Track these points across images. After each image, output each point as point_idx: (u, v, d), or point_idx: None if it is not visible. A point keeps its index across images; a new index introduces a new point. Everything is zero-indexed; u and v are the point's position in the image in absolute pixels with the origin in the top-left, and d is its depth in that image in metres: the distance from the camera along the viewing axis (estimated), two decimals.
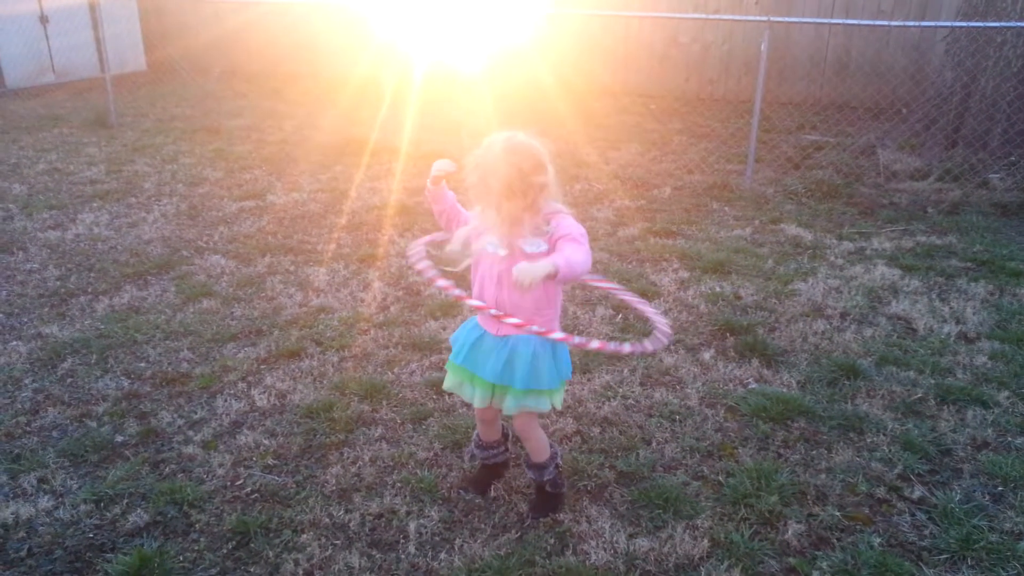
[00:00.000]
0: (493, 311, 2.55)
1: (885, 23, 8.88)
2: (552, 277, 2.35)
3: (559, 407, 2.86)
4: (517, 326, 2.53)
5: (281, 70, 13.31)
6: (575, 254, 2.42)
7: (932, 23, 9.04)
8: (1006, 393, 3.72)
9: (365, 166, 7.82)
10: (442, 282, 2.57)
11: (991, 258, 5.48)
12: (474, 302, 2.59)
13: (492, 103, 10.34)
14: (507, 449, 3.12)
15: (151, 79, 13.34)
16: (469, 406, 3.51)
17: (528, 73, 11.39)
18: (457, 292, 2.56)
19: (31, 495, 3.02)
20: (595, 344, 2.61)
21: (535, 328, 2.51)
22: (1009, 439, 3.39)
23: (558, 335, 2.55)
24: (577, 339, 2.57)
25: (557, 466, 2.96)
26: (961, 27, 7.84)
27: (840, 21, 10.28)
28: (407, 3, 11.39)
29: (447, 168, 2.64)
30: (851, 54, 11.18)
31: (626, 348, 2.66)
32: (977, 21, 7.68)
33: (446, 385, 2.91)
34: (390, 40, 11.89)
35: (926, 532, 2.84)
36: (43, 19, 12.60)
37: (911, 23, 9.07)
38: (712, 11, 11.31)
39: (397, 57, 11.71)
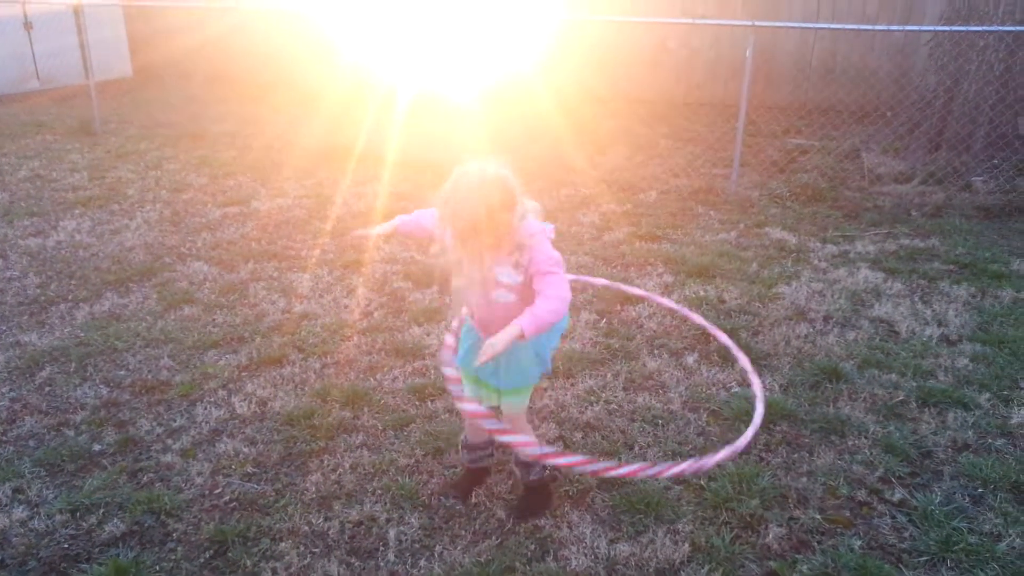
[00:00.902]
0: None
1: (870, 27, 8.96)
2: (521, 338, 2.37)
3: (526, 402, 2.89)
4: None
5: (266, 76, 13.27)
6: (544, 307, 2.41)
7: (916, 27, 9.12)
8: (987, 395, 3.73)
9: (350, 172, 7.80)
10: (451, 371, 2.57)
11: (973, 261, 5.51)
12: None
13: (479, 107, 10.34)
14: (492, 454, 3.11)
15: (136, 85, 13.30)
16: (451, 411, 3.51)
17: (519, 82, 11.38)
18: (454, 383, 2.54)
19: (5, 505, 2.98)
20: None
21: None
22: (989, 441, 3.39)
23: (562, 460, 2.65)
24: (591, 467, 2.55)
25: (545, 466, 2.95)
26: (944, 31, 7.90)
27: (825, 26, 10.34)
28: (395, 15, 11.36)
29: (367, 233, 2.86)
30: (836, 58, 11.24)
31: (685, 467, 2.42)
32: (960, 25, 7.74)
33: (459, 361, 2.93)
34: (376, 58, 11.83)
35: (906, 534, 2.84)
36: (27, 25, 12.54)
37: (895, 27, 9.16)
38: (699, 16, 11.35)
39: (383, 76, 11.65)
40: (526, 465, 2.92)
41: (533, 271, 2.50)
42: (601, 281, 4.15)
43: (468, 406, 2.54)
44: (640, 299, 3.64)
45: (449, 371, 2.54)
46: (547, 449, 2.64)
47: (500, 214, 2.41)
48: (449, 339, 2.76)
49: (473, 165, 2.46)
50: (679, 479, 3.09)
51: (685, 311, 3.49)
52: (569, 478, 3.13)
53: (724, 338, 3.23)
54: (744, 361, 3.02)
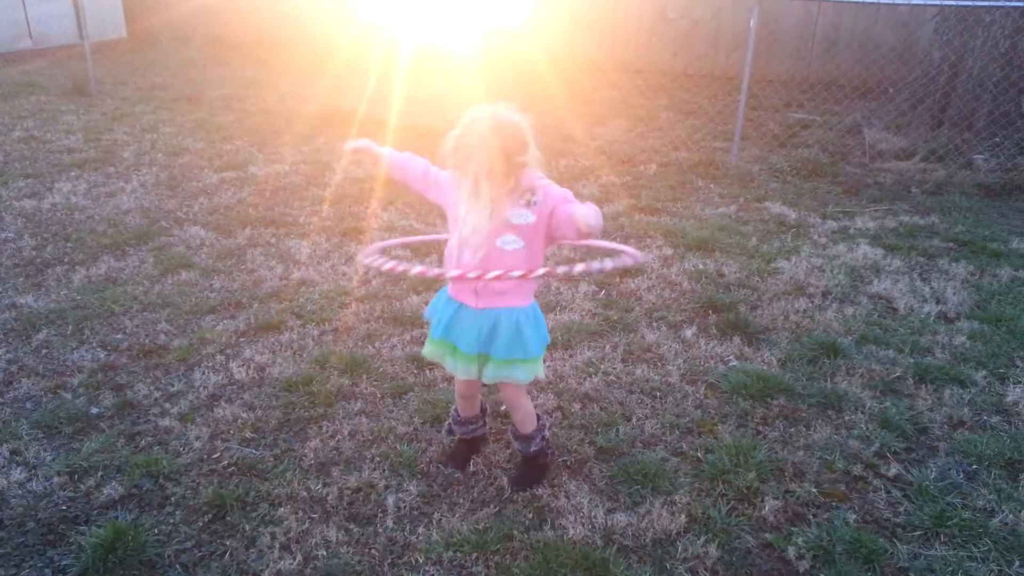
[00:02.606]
0: (472, 274, 2.44)
1: (875, 0, 8.84)
2: (585, 229, 2.38)
3: (542, 376, 2.85)
4: (498, 277, 2.39)
5: (265, 39, 13.10)
6: (587, 206, 2.41)
7: (922, 1, 9.00)
8: (983, 373, 3.75)
9: (350, 138, 7.71)
10: (417, 268, 2.48)
11: (973, 239, 5.50)
12: (452, 272, 2.48)
13: (480, 76, 10.23)
14: (485, 423, 3.11)
15: (132, 47, 13.11)
16: (450, 380, 3.50)
17: (517, 47, 11.26)
18: (435, 271, 2.48)
19: (3, 467, 2.98)
20: (579, 268, 2.52)
21: (515, 274, 2.38)
22: (985, 418, 3.41)
23: (540, 271, 2.43)
24: (561, 269, 2.46)
25: (544, 437, 2.96)
26: (951, 6, 7.81)
27: None
28: None
29: (360, 146, 2.83)
30: (840, 31, 11.14)
31: (608, 264, 2.55)
32: (966, 1, 7.65)
33: (426, 352, 2.87)
34: (378, 15, 11.69)
35: (901, 509, 2.86)
36: None
37: (901, 1, 9.04)
38: None
39: (385, 32, 11.52)
40: (526, 438, 2.92)
41: (552, 205, 2.50)
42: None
43: (416, 268, 2.45)
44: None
45: (383, 264, 2.49)
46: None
47: (516, 156, 2.42)
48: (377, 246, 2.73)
49: (485, 109, 2.46)
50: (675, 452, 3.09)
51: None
52: (567, 448, 3.14)
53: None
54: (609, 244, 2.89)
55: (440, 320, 2.74)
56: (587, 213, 2.36)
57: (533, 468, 2.99)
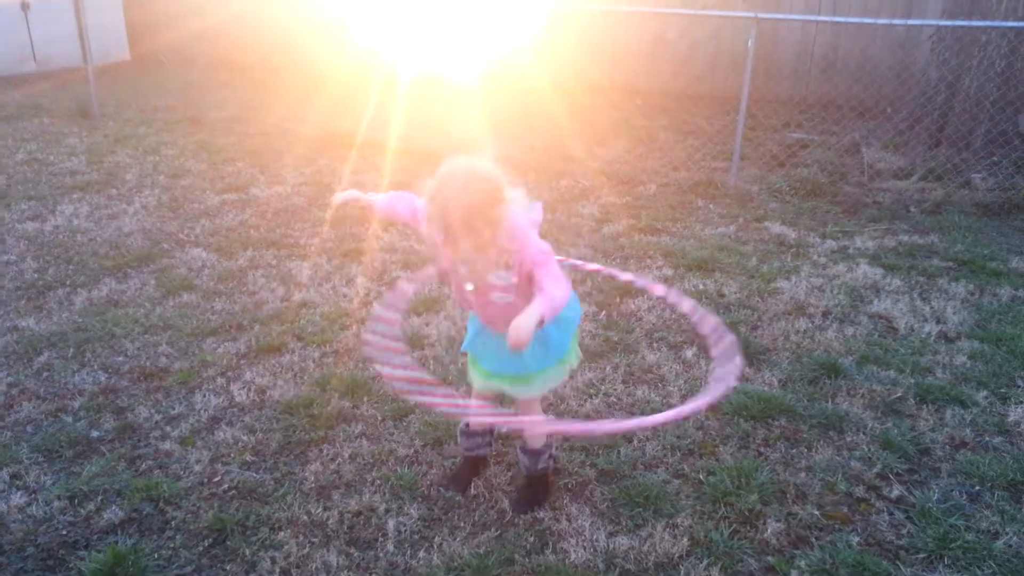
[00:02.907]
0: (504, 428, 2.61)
1: (872, 20, 8.92)
2: (541, 324, 2.33)
3: (560, 381, 2.92)
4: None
5: (266, 62, 13.19)
6: (553, 291, 2.39)
7: (918, 21, 9.06)
8: (985, 393, 3.74)
9: (350, 160, 7.77)
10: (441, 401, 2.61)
11: (972, 258, 5.51)
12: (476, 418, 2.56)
13: (481, 99, 10.30)
14: (491, 443, 3.11)
15: (135, 70, 13.21)
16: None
17: (518, 71, 11.35)
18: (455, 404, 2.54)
19: (3, 491, 2.97)
20: (653, 419, 2.61)
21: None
22: (987, 439, 3.41)
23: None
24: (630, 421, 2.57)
25: (552, 456, 2.97)
26: (947, 26, 7.88)
27: (827, 19, 10.30)
28: (396, 4, 11.32)
29: (347, 197, 2.84)
30: (838, 52, 11.22)
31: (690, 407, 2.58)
32: (962, 20, 7.72)
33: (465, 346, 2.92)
34: (379, 39, 11.80)
35: (904, 531, 2.85)
36: (24, 6, 12.43)
37: (897, 21, 9.11)
38: (700, 7, 11.30)
39: (385, 56, 11.62)
40: (535, 454, 2.91)
41: (528, 267, 2.48)
42: (592, 266, 4.02)
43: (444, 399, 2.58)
44: (629, 284, 3.65)
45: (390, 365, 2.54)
46: (559, 421, 2.62)
47: (490, 211, 2.36)
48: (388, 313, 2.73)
49: (460, 161, 2.41)
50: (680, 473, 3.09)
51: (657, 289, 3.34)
52: (568, 471, 3.14)
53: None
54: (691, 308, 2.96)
55: (470, 332, 2.83)
56: (516, 328, 2.27)
57: (538, 488, 2.98)
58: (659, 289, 3.46)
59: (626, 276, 3.76)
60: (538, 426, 2.61)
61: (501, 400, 3.01)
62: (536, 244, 2.50)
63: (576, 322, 2.87)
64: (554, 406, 3.59)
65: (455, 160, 2.42)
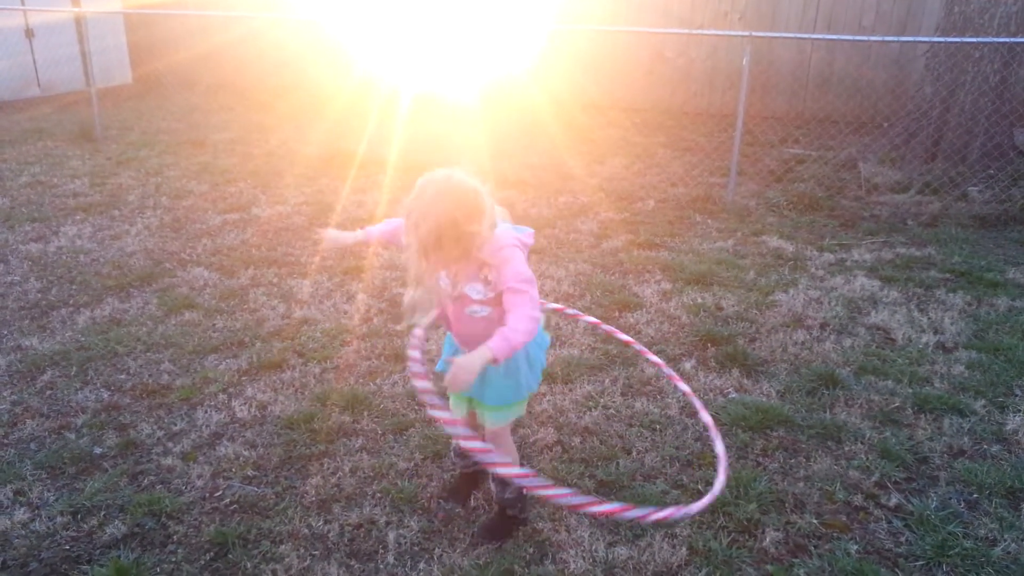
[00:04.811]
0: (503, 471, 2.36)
1: (866, 38, 9.01)
2: (494, 363, 2.26)
3: (521, 415, 2.81)
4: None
5: (268, 84, 13.33)
6: (517, 326, 2.28)
7: (912, 38, 9.18)
8: (982, 402, 3.76)
9: (351, 179, 7.84)
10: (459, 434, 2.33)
11: (969, 269, 5.54)
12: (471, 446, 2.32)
13: (481, 118, 10.39)
14: None
15: (137, 92, 13.34)
16: None
17: (518, 90, 11.46)
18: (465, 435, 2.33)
19: (7, 507, 2.99)
20: (662, 513, 2.29)
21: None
22: (985, 447, 3.42)
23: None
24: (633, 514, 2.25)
25: (520, 501, 2.87)
26: (940, 43, 7.96)
27: (822, 36, 10.42)
28: (398, 23, 11.44)
29: (331, 240, 2.84)
30: (833, 69, 11.32)
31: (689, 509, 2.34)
32: (956, 37, 7.80)
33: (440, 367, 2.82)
34: (380, 60, 11.93)
35: (902, 539, 2.86)
36: (28, 33, 12.59)
37: (892, 38, 9.23)
38: (696, 26, 11.43)
39: (386, 76, 11.74)
40: (502, 482, 2.81)
41: (502, 287, 2.38)
42: (587, 318, 3.54)
43: (443, 415, 2.31)
44: (628, 344, 3.36)
45: (422, 383, 2.31)
46: (525, 473, 2.41)
47: (466, 226, 2.27)
48: (414, 353, 2.45)
49: (439, 173, 2.33)
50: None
51: (672, 374, 3.14)
52: (568, 482, 3.15)
53: (706, 416, 2.92)
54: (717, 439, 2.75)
55: (444, 352, 2.80)
56: (459, 366, 2.20)
57: (504, 520, 2.88)
58: (683, 384, 3.14)
59: (644, 352, 3.30)
60: (497, 467, 2.34)
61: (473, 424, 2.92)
62: (516, 268, 2.37)
63: (543, 360, 2.76)
64: (553, 418, 3.61)
65: (435, 172, 2.35)
